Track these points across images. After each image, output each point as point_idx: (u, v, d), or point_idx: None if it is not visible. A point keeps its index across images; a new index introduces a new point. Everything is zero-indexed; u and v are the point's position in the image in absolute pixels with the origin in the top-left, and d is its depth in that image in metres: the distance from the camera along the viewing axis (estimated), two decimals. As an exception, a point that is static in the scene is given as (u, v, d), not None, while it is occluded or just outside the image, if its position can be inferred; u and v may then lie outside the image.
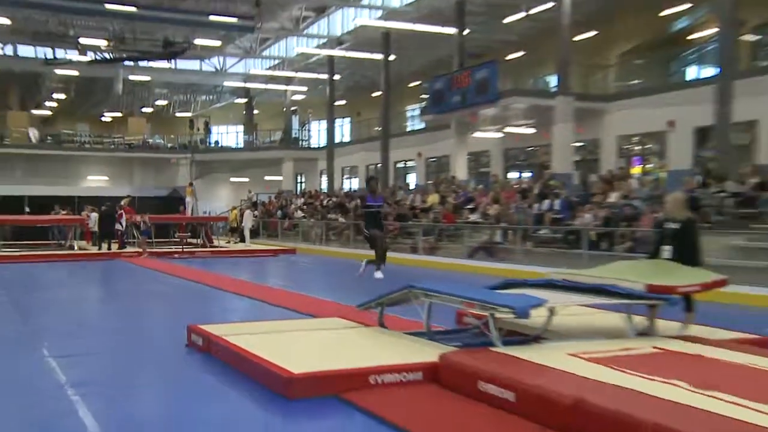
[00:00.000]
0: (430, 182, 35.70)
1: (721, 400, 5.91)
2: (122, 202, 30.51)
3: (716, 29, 24.76)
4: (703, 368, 7.29)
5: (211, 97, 56.42)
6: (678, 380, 6.51)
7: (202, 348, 9.43)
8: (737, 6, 23.13)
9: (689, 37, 30.43)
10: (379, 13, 35.61)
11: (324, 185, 46.21)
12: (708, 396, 6.03)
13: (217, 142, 55.87)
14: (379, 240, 17.30)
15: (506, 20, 33.46)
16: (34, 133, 37.21)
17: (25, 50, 44.99)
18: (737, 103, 22.44)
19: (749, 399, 5.91)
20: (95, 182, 51.38)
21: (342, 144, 48.30)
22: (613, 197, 21.43)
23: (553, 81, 30.06)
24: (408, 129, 43.88)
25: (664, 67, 31.40)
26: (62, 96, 52.82)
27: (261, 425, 6.75)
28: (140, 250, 27.58)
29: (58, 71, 44.82)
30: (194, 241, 32.85)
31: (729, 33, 23.21)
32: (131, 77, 46.07)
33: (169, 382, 8.56)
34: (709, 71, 26.90)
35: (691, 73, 30.50)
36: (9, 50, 43.88)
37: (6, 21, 37.24)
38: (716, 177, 20.69)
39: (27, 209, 33.79)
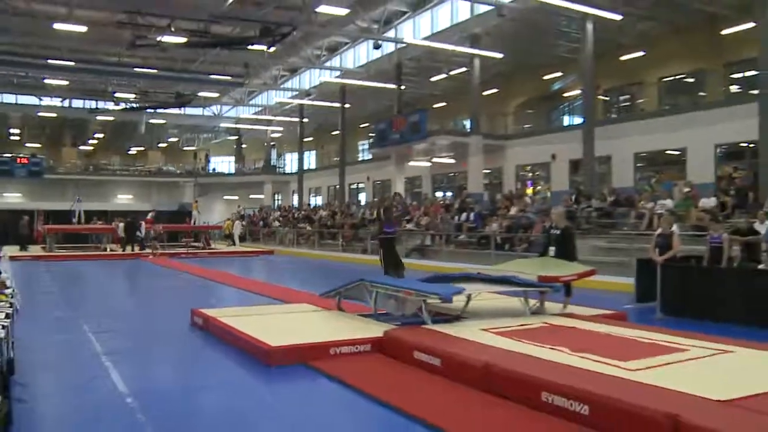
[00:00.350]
0: (376, 199, 35.62)
1: (591, 360, 6.05)
2: (149, 216, 30.48)
3: (581, 90, 25.18)
4: (578, 337, 7.41)
5: (210, 135, 55.91)
6: (561, 347, 6.63)
7: (202, 327, 9.38)
8: (594, 75, 23.63)
9: (564, 95, 30.83)
10: (338, 72, 35.59)
11: (295, 202, 45.98)
12: (582, 357, 6.15)
13: (214, 169, 55.36)
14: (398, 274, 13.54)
15: (433, 79, 33.61)
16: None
17: (76, 103, 44.80)
18: (597, 143, 22.89)
19: (610, 358, 6.06)
20: (123, 200, 50.80)
21: (309, 170, 48.03)
22: (513, 211, 21.51)
23: (468, 124, 30.18)
24: (360, 159, 43.73)
25: (547, 115, 31.71)
26: (101, 135, 52.31)
27: (247, 386, 6.71)
28: (152, 252, 27.26)
29: (99, 117, 44.69)
30: (197, 244, 32.46)
31: (589, 93, 23.67)
32: (151, 121, 45.63)
33: (177, 352, 8.53)
34: (578, 119, 27.25)
35: (566, 120, 30.88)
36: (65, 103, 43.76)
37: (65, 82, 37.91)
38: (585, 196, 20.92)
39: (74, 220, 33.31)
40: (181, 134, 55.90)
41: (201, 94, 38.54)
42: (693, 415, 4.32)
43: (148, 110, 40.07)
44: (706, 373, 5.74)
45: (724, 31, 22.37)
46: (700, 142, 21.31)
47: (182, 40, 23.90)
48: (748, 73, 22.10)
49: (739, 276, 10.53)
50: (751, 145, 19.67)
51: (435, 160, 31.50)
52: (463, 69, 29.77)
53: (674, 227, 12.13)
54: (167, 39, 23.46)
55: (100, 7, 23.87)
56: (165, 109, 39.91)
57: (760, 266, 10.51)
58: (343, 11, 24.23)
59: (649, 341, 7.08)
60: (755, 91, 19.30)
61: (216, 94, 41.77)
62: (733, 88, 23.71)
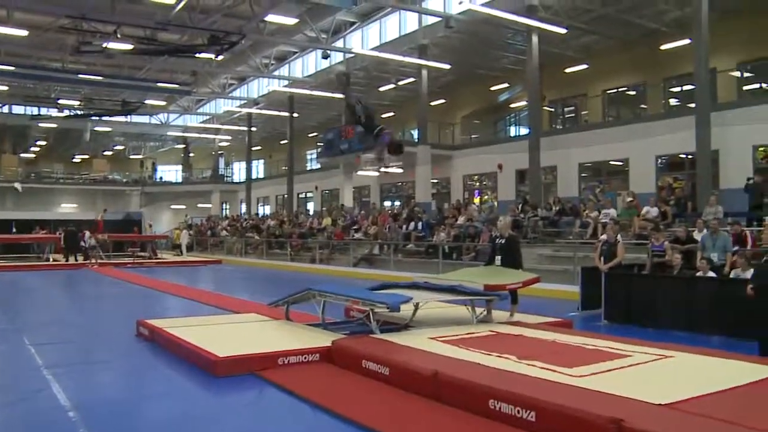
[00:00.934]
0: (324, 209, 35.50)
1: (538, 367, 6.10)
2: (99, 217, 30.62)
3: (527, 101, 25.55)
4: (525, 345, 7.47)
5: (157, 143, 54.85)
6: (508, 354, 6.68)
7: (148, 338, 9.19)
8: (540, 86, 24.02)
9: (510, 106, 31.19)
10: (286, 82, 35.42)
11: (243, 211, 45.58)
12: (528, 365, 6.20)
13: (161, 178, 54.55)
14: None
15: (381, 89, 33.74)
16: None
17: (17, 108, 43.58)
18: (543, 154, 23.24)
19: (556, 365, 6.13)
20: (67, 209, 49.53)
21: (257, 179, 47.66)
22: (461, 220, 21.64)
23: (415, 134, 30.32)
24: (308, 168, 43.57)
25: (494, 126, 32.07)
26: (43, 142, 50.96)
27: (194, 397, 6.58)
28: (94, 261, 26.63)
29: (41, 124, 43.42)
30: (143, 254, 31.79)
31: (535, 105, 24.04)
32: (96, 128, 44.59)
33: (122, 364, 8.27)
34: (524, 130, 27.63)
35: (512, 131, 31.26)
36: (5, 109, 42.62)
37: (4, 87, 36.88)
38: (531, 205, 21.18)
39: (14, 230, 32.23)
40: (128, 142, 54.72)
41: (148, 101, 37.85)
42: (636, 419, 4.39)
43: (93, 117, 39.09)
44: (649, 378, 5.83)
45: (664, 47, 22.97)
46: (641, 153, 21.83)
47: (128, 47, 23.43)
48: (685, 87, 22.75)
49: (679, 283, 10.77)
50: (689, 156, 20.25)
51: (383, 169, 31.48)
52: (411, 79, 29.99)
53: (618, 236, 12.36)
54: (113, 45, 22.95)
55: (43, 12, 23.21)
56: (111, 116, 39.06)
57: (698, 273, 10.75)
58: (292, 21, 24.13)
59: (594, 348, 7.17)
60: (692, 105, 19.91)
61: (163, 102, 41.12)
62: (673, 102, 24.38)
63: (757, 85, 22.25)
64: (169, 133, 50.52)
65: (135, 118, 44.93)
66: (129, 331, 9.73)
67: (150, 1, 22.04)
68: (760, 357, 7.02)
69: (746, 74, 22.17)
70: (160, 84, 33.39)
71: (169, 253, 33.90)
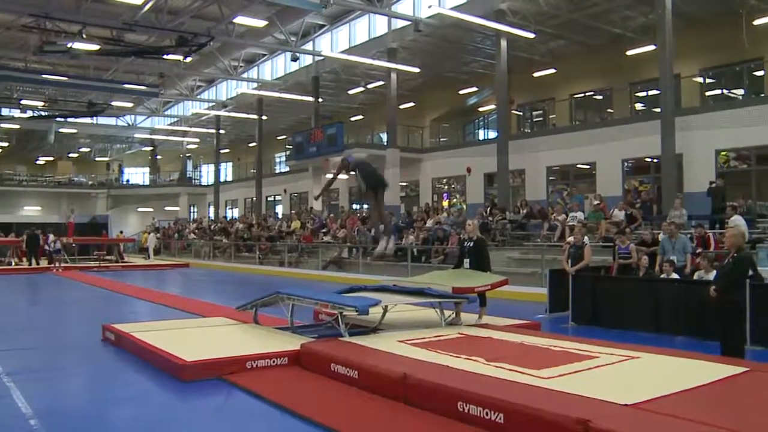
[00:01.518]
0: (293, 212, 35.37)
1: (506, 369, 6.12)
2: (70, 219, 30.44)
3: (495, 105, 25.72)
4: (493, 347, 7.50)
5: (124, 145, 54.23)
6: (476, 357, 6.70)
7: (114, 342, 9.05)
8: (508, 90, 24.20)
9: (479, 109, 31.36)
10: (255, 84, 35.24)
11: (211, 214, 45.24)
12: (497, 367, 6.23)
13: (128, 180, 53.95)
14: None
15: (350, 92, 33.75)
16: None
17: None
18: (511, 157, 23.42)
19: (524, 366, 6.16)
20: (30, 212, 48.70)
21: (226, 182, 47.35)
22: (430, 223, 21.74)
23: (384, 137, 30.34)
24: (276, 171, 43.38)
25: (462, 130, 32.19)
26: (5, 144, 49.96)
27: (161, 402, 6.49)
28: (58, 264, 26.23)
29: (3, 125, 42.55)
30: (110, 258, 31.32)
31: (503, 108, 24.20)
32: (61, 130, 43.76)
33: (87, 369, 8.13)
34: (493, 134, 27.77)
35: (481, 134, 31.43)
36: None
37: None
38: (499, 208, 21.33)
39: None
40: (94, 144, 54.01)
41: (114, 103, 37.32)
42: (603, 419, 4.43)
43: (58, 119, 38.45)
44: (615, 379, 5.90)
45: (629, 52, 23.31)
46: (608, 157, 22.09)
47: (94, 47, 23.12)
48: (651, 92, 23.11)
49: (645, 285, 10.91)
50: (655, 160, 20.55)
51: (352, 172, 31.48)
52: (380, 83, 30.05)
53: (585, 238, 12.51)
54: (78, 46, 22.62)
55: (4, 9, 22.75)
56: (76, 118, 38.45)
57: (662, 275, 10.92)
58: (261, 23, 24.06)
59: (561, 349, 7.23)
60: (657, 109, 20.24)
61: (130, 104, 40.60)
62: (638, 106, 24.72)
63: (718, 91, 22.67)
64: (136, 135, 49.97)
65: (101, 120, 44.27)
66: (94, 336, 9.57)
67: (116, 1, 21.71)
68: (722, 356, 7.14)
69: (708, 80, 22.58)
70: (126, 85, 32.93)
71: (136, 257, 33.49)
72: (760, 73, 21.12)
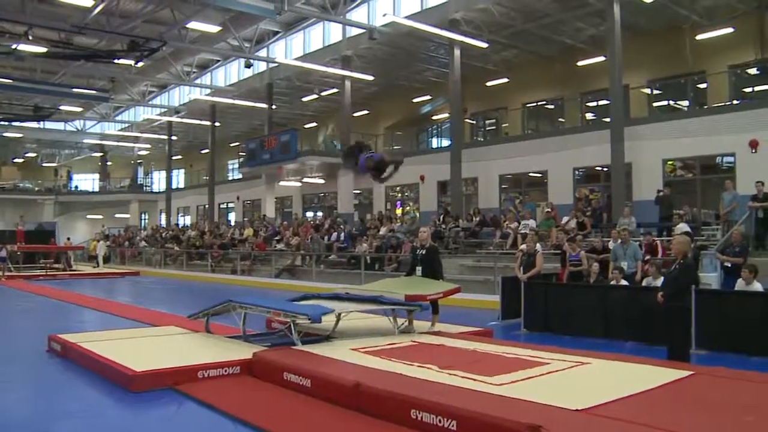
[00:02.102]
0: (246, 219, 35.08)
1: (458, 376, 6.15)
2: (18, 226, 30.75)
3: (449, 114, 25.91)
4: (446, 354, 7.52)
5: (72, 150, 53.01)
6: (429, 364, 6.71)
7: (60, 353, 8.81)
8: (462, 99, 24.40)
9: (433, 118, 31.57)
10: (208, 90, 34.92)
11: (163, 221, 44.60)
12: (450, 374, 6.25)
13: (77, 187, 52.58)
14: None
15: (304, 99, 33.67)
16: None
17: None
18: (464, 165, 23.58)
19: (477, 373, 6.19)
20: (-29, 219, 47.31)
21: (178, 189, 46.74)
22: (383, 231, 21.79)
23: (338, 145, 30.32)
24: (229, 178, 43.01)
25: (416, 138, 32.30)
26: (-55, 148, 48.52)
27: (109, 413, 6.30)
28: (1, 273, 25.53)
29: (-58, 128, 41.16)
30: (58, 266, 30.60)
31: (457, 117, 24.38)
32: (5, 134, 42.77)
33: (31, 381, 7.85)
34: (446, 142, 27.97)
35: (435, 142, 31.61)
36: None
37: None
38: (452, 216, 21.46)
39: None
40: (41, 149, 52.67)
41: (63, 107, 36.59)
42: (554, 425, 4.47)
43: (2, 122, 37.45)
44: (566, 385, 5.97)
45: (580, 63, 23.75)
46: (559, 165, 22.39)
47: (41, 49, 22.61)
48: (601, 102, 23.56)
49: (595, 292, 11.08)
50: (605, 169, 20.93)
51: (305, 180, 31.45)
52: (335, 90, 30.02)
53: (538, 246, 12.66)
54: (24, 47, 22.10)
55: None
56: (22, 122, 37.47)
57: (611, 282, 11.10)
58: (214, 28, 23.82)
59: (514, 356, 7.28)
60: (607, 119, 20.63)
61: (79, 109, 39.83)
62: (589, 116, 25.15)
63: (665, 102, 23.21)
64: (85, 141, 48.98)
65: (49, 125, 43.37)
66: (39, 347, 9.30)
67: (65, 3, 21.21)
68: (668, 361, 7.28)
69: (656, 91, 23.11)
70: (75, 90, 32.27)
71: (85, 265, 32.79)
72: (704, 85, 21.71)
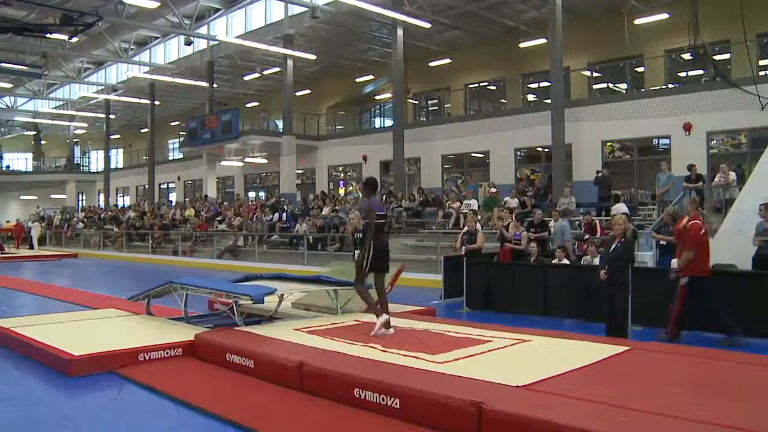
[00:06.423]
0: (187, 199, 34.56)
1: (402, 355, 6.19)
2: None
3: (391, 94, 25.94)
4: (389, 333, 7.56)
5: (3, 129, 51.33)
6: (373, 343, 6.75)
7: (-8, 340, 8.54)
8: (404, 79, 24.47)
9: (376, 98, 31.58)
10: (147, 68, 34.09)
11: (101, 202, 43.56)
12: (393, 353, 6.29)
13: (8, 167, 50.78)
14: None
15: (246, 78, 33.23)
16: None
17: None
18: (407, 145, 23.69)
19: (420, 352, 6.25)
20: None
21: (116, 169, 45.76)
22: (326, 211, 21.77)
23: (280, 124, 30.07)
24: (170, 158, 42.27)
25: (359, 118, 32.31)
26: None
27: (46, 399, 6.15)
28: None
29: None
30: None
31: (400, 97, 24.43)
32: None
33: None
34: (389, 122, 28.02)
35: (377, 122, 31.65)
36: None
37: None
38: (395, 196, 21.56)
39: None
40: (-33, 127, 50.91)
41: (-9, 83, 35.31)
42: (495, 401, 4.54)
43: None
44: (507, 362, 6.07)
45: (522, 45, 23.98)
46: (501, 146, 22.69)
47: (-34, 22, 21.74)
48: (542, 84, 23.89)
49: (535, 270, 11.29)
50: (546, 150, 21.28)
51: (247, 159, 31.14)
52: (277, 69, 29.73)
53: (479, 225, 12.82)
54: (-53, 20, 21.21)
55: None
56: (-54, 98, 36.05)
57: (554, 261, 11.33)
58: (153, 4, 23.17)
59: (456, 335, 7.36)
60: (548, 101, 20.95)
61: (9, 85, 38.38)
62: (530, 97, 25.49)
63: (604, 85, 23.66)
64: (16, 119, 47.41)
65: (-25, 102, 41.80)
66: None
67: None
68: (607, 337, 7.48)
69: (595, 74, 23.54)
70: (4, 64, 31.06)
71: (22, 248, 31.84)
72: (642, 69, 22.19)
